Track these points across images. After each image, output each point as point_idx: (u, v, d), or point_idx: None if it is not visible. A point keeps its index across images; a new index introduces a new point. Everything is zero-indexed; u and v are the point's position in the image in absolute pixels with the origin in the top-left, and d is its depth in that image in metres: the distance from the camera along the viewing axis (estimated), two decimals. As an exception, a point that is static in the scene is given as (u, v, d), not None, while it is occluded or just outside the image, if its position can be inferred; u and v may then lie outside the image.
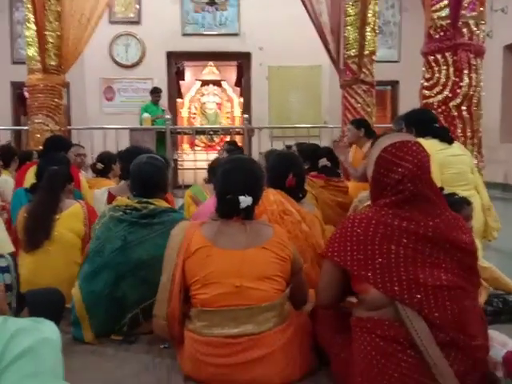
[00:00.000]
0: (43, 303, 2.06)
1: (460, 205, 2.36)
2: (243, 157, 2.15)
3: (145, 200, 2.29)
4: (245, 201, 1.85)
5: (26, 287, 2.15)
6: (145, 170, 2.36)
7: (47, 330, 0.96)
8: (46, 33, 5.62)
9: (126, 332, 2.25)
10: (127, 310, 2.24)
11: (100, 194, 3.27)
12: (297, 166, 2.64)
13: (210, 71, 12.44)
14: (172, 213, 2.33)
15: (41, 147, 5.03)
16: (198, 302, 1.83)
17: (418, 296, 1.51)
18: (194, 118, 12.58)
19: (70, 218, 2.64)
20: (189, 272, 1.85)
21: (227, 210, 1.89)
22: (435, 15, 3.58)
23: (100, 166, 4.31)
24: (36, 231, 2.58)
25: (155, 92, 7.91)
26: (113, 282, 2.21)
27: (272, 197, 2.45)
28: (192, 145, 9.99)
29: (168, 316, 1.89)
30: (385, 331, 1.53)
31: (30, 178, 3.40)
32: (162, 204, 2.33)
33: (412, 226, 1.55)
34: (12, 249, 2.41)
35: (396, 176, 1.58)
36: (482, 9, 3.56)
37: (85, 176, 4.25)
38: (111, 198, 3.11)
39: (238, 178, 1.92)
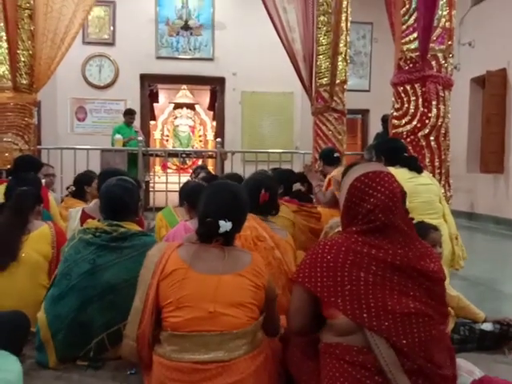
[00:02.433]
0: (7, 327, 2.00)
1: (426, 230, 2.41)
2: (229, 182, 2.14)
3: (115, 223, 2.26)
4: (224, 225, 1.84)
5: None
6: (114, 192, 2.33)
7: (7, 370, 0.92)
8: (18, 51, 5.56)
9: (92, 357, 2.20)
10: (94, 334, 2.19)
11: (75, 212, 3.26)
12: (267, 180, 2.68)
13: (184, 94, 12.50)
14: (143, 236, 2.30)
15: (9, 166, 4.96)
16: (169, 325, 1.80)
17: (386, 323, 1.52)
18: (166, 140, 12.58)
19: (37, 240, 2.58)
20: (163, 293, 1.82)
21: (206, 233, 1.88)
22: (405, 47, 3.69)
23: (71, 188, 4.30)
24: (2, 252, 2.51)
25: (129, 113, 7.84)
26: (79, 305, 2.17)
27: (246, 222, 2.45)
28: (164, 167, 9.94)
29: (138, 337, 1.85)
30: (353, 357, 1.54)
31: (-4, 197, 3.33)
32: (133, 227, 2.31)
33: (381, 253, 1.58)
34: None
35: (368, 206, 1.61)
36: (450, 42, 3.69)
37: (53, 196, 4.20)
38: (85, 216, 3.09)
39: (220, 202, 1.91)
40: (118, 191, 2.33)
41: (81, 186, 4.26)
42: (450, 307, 2.37)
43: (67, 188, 4.51)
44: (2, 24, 5.45)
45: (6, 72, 5.57)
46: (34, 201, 2.73)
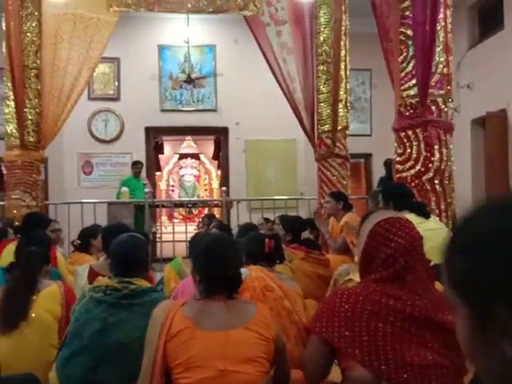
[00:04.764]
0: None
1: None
2: (223, 234, 2.17)
3: (126, 280, 2.26)
4: (244, 272, 1.86)
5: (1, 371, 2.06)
6: (125, 249, 2.33)
7: None
8: (26, 110, 5.70)
9: (105, 418, 2.15)
10: (105, 395, 2.16)
11: (82, 270, 3.25)
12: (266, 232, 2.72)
13: (188, 145, 12.67)
14: (153, 293, 2.29)
15: (17, 223, 4.99)
16: (180, 386, 1.78)
17: (405, 375, 1.50)
18: (172, 190, 12.66)
19: (47, 299, 2.57)
20: (171, 355, 1.80)
21: (211, 287, 1.88)
22: (404, 93, 3.77)
23: (77, 242, 4.33)
24: (12, 312, 2.50)
25: (135, 164, 8.04)
26: (91, 365, 2.13)
27: (254, 273, 2.45)
28: (170, 217, 9.99)
29: (150, 400, 1.82)
30: (372, 409, 1.51)
31: (6, 256, 3.34)
32: (143, 283, 2.30)
33: (399, 304, 1.57)
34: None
35: (388, 250, 1.62)
36: (449, 87, 3.77)
37: (61, 251, 4.22)
38: (93, 273, 3.08)
39: (222, 255, 1.92)
40: (129, 248, 2.34)
41: (86, 239, 4.28)
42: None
43: (72, 242, 4.53)
44: (9, 84, 5.62)
45: (14, 130, 5.69)
46: (43, 260, 2.74)
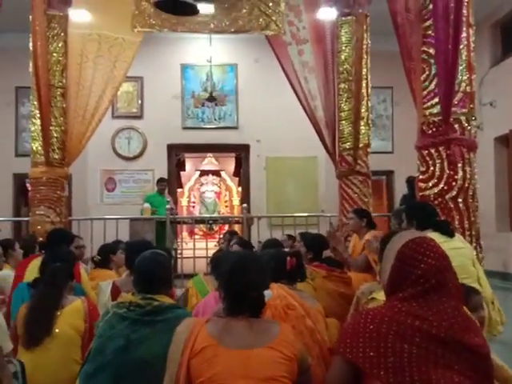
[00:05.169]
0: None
1: (468, 293, 2.35)
2: (247, 252, 2.18)
3: (149, 296, 2.27)
4: (268, 295, 1.86)
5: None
6: (149, 266, 2.35)
7: None
8: (51, 128, 5.83)
9: None
10: (128, 411, 2.16)
11: (105, 286, 3.30)
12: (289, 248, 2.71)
13: (210, 162, 12.77)
14: (176, 309, 2.30)
15: (41, 239, 5.07)
16: (203, 404, 1.77)
17: (431, 397, 1.47)
18: (193, 206, 12.74)
19: (71, 315, 2.61)
20: (194, 372, 1.79)
21: (233, 306, 1.88)
22: (427, 112, 3.74)
23: (97, 258, 4.39)
24: (37, 327, 2.54)
25: (160, 181, 8.22)
26: (114, 382, 2.14)
27: (275, 291, 2.44)
28: (191, 233, 10.02)
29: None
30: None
31: (31, 271, 3.39)
32: (166, 300, 2.31)
33: (425, 325, 1.55)
34: (11, 347, 2.37)
35: (419, 272, 1.60)
36: (472, 106, 3.73)
37: (85, 268, 4.26)
38: (116, 289, 3.12)
39: (247, 274, 1.93)
40: (152, 265, 2.36)
41: (106, 255, 4.34)
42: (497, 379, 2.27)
43: (92, 258, 4.57)
44: (35, 102, 5.74)
45: (39, 148, 5.81)
46: (67, 276, 2.78)
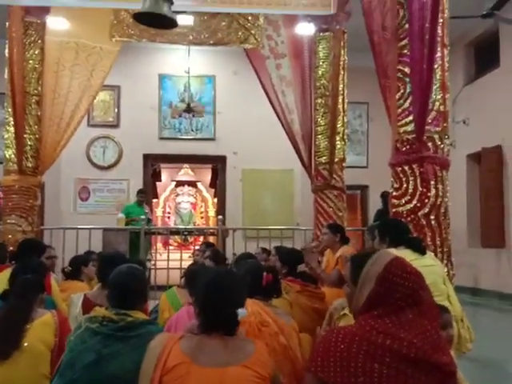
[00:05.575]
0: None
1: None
2: (228, 271, 2.17)
3: (123, 312, 2.24)
4: (241, 313, 1.85)
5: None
6: (125, 281, 2.31)
7: None
8: (25, 135, 5.75)
9: None
10: (97, 429, 2.12)
11: (76, 298, 3.23)
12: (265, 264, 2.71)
13: (186, 172, 12.73)
14: (149, 325, 2.28)
15: (11, 248, 4.97)
16: (174, 423, 1.75)
17: (401, 417, 1.49)
18: (168, 217, 12.66)
19: (40, 329, 2.55)
20: (166, 389, 1.78)
21: (208, 324, 1.87)
22: (401, 129, 3.80)
23: (68, 269, 4.32)
24: (5, 340, 2.47)
25: (139, 193, 8.23)
26: (84, 398, 2.11)
27: (249, 308, 2.44)
28: (165, 244, 9.95)
29: None
30: None
31: (1, 283, 3.31)
32: (140, 316, 2.29)
33: (395, 345, 1.56)
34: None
35: (398, 295, 1.61)
36: (445, 124, 3.79)
37: (55, 279, 4.19)
38: (87, 302, 3.06)
39: (223, 290, 1.92)
40: (129, 280, 2.32)
41: (78, 267, 4.28)
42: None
43: (63, 269, 4.50)
44: (9, 109, 5.67)
45: (13, 155, 5.72)
46: (38, 289, 2.73)
